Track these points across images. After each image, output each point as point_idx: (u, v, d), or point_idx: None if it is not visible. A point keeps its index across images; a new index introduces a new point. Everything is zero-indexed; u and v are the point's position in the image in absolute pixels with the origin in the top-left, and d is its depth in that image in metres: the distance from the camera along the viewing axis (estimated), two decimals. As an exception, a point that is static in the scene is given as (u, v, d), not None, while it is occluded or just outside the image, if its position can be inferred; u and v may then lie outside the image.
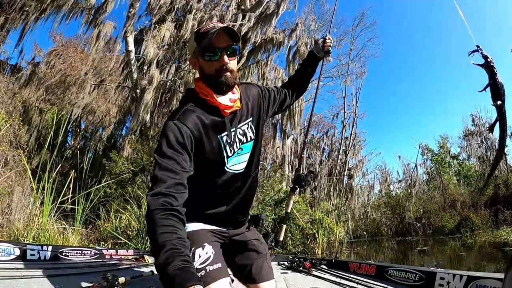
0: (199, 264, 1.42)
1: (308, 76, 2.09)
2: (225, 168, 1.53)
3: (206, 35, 1.42)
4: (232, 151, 1.53)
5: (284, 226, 2.25)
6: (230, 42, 1.47)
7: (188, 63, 10.24)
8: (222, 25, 1.44)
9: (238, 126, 1.55)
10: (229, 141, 1.51)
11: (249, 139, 1.60)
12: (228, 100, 1.50)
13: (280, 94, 1.89)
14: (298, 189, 2.30)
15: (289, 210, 2.33)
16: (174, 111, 1.47)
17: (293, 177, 2.48)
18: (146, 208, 5.21)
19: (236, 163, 1.57)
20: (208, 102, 1.47)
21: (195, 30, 1.53)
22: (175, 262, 1.00)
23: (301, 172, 2.33)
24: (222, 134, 1.49)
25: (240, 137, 1.57)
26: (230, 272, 1.57)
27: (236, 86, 1.58)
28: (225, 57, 1.46)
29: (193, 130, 1.38)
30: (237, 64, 1.68)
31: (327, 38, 2.12)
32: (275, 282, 1.71)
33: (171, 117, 1.41)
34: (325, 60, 2.17)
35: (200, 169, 1.41)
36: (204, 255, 1.45)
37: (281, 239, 2.25)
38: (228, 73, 1.47)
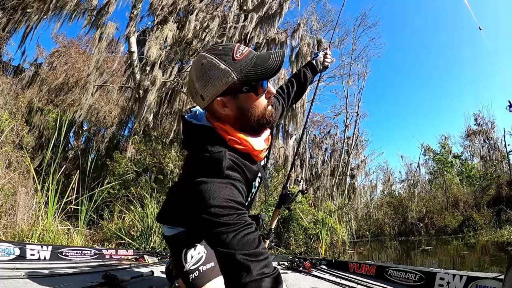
0: (192, 265, 1.41)
1: (305, 87, 1.97)
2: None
3: (262, 64, 1.12)
4: (255, 193, 1.40)
5: (268, 241, 2.19)
6: None
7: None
8: (279, 55, 1.16)
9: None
10: (257, 186, 1.37)
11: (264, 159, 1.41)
12: (263, 141, 1.26)
13: (278, 108, 1.67)
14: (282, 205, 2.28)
15: (273, 227, 2.26)
16: (210, 161, 1.09)
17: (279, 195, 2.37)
18: (150, 210, 5.17)
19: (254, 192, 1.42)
20: (238, 150, 1.17)
21: (225, 55, 1.11)
22: None
23: (287, 190, 2.30)
24: (254, 181, 1.30)
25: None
26: None
27: None
28: (271, 87, 1.21)
29: (243, 181, 1.15)
30: None
31: (328, 54, 2.09)
32: None
33: (213, 170, 1.07)
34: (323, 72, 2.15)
35: None
36: (196, 255, 1.45)
37: (266, 246, 2.17)
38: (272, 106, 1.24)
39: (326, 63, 2.07)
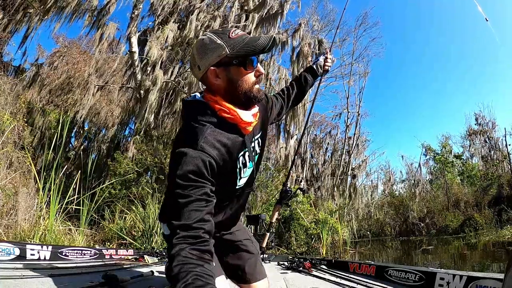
0: None
1: (305, 90, 2.03)
2: (236, 189, 1.44)
3: (247, 42, 1.27)
4: (245, 171, 1.42)
5: (268, 234, 2.45)
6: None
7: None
8: (269, 36, 1.31)
9: (253, 143, 1.44)
10: (245, 162, 1.40)
11: (256, 152, 1.50)
12: (251, 116, 1.36)
13: (277, 105, 1.79)
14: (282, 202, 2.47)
15: (273, 220, 2.51)
16: (191, 133, 1.23)
17: (280, 191, 2.61)
18: (151, 210, 5.22)
19: (242, 180, 1.46)
20: (227, 120, 1.28)
21: (222, 34, 1.28)
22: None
23: (288, 187, 2.51)
24: (239, 155, 1.36)
25: (252, 154, 1.45)
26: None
27: None
28: (260, 67, 1.34)
29: (218, 159, 1.21)
30: None
31: (329, 58, 2.14)
32: (268, 281, 1.71)
33: (190, 141, 1.18)
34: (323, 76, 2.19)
35: (217, 188, 1.25)
36: None
37: (264, 245, 2.52)
38: (259, 85, 1.38)
39: (327, 67, 2.11)
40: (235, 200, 1.55)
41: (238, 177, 1.40)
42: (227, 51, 1.24)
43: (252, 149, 1.43)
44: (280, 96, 1.88)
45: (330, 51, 2.22)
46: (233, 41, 1.25)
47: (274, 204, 2.57)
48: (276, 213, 2.49)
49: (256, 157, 1.50)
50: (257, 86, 1.33)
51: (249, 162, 1.42)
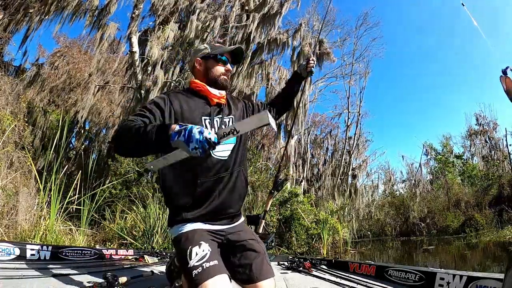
0: (196, 262, 1.49)
1: (292, 95, 2.38)
2: None
3: (222, 47, 1.93)
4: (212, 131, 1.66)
5: (263, 221, 2.91)
6: (230, 60, 1.96)
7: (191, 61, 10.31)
8: (234, 47, 1.95)
9: (222, 116, 1.83)
10: (211, 123, 1.77)
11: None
12: (218, 93, 1.86)
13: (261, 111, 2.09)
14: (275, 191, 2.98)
15: (267, 209, 3.01)
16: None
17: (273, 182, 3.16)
18: (152, 210, 5.27)
19: (219, 150, 1.75)
20: (200, 92, 1.84)
21: (208, 44, 1.96)
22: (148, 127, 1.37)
23: (279, 179, 3.08)
24: (205, 117, 1.77)
25: (223, 126, 1.80)
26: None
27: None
28: (229, 66, 1.95)
29: (174, 103, 1.72)
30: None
31: (310, 59, 2.37)
32: (275, 281, 1.72)
33: (164, 93, 1.84)
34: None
35: None
36: (201, 252, 1.53)
37: (260, 231, 2.91)
38: (227, 77, 1.93)
39: (309, 68, 2.35)
40: (215, 176, 1.74)
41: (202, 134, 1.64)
42: (208, 50, 1.90)
43: (220, 121, 1.82)
44: (269, 105, 2.28)
45: (313, 53, 2.46)
46: (212, 46, 1.93)
47: (269, 193, 3.04)
48: (270, 201, 2.99)
49: (234, 138, 1.71)
50: (223, 76, 1.89)
51: (210, 129, 1.61)
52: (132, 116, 1.58)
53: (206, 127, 1.71)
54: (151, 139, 1.31)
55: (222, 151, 1.76)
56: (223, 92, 1.90)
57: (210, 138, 1.22)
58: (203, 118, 1.75)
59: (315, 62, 2.43)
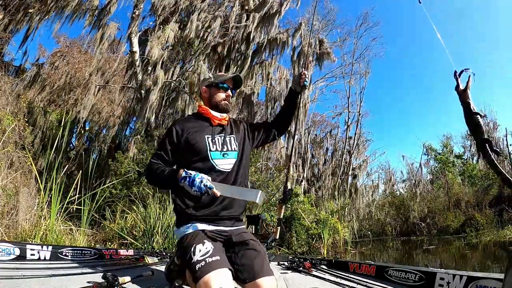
0: (200, 256, 1.64)
1: (291, 111, 2.50)
2: (210, 160, 1.99)
3: (223, 76, 2.24)
4: (215, 147, 2.03)
5: (279, 228, 3.06)
6: (232, 86, 2.26)
7: (193, 66, 10.41)
8: (233, 75, 2.28)
9: (223, 135, 2.10)
10: (213, 140, 2.06)
11: (233, 149, 2.10)
12: (219, 115, 2.16)
13: (261, 131, 2.38)
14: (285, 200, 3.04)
15: (281, 216, 3.07)
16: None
17: (282, 191, 3.14)
18: (152, 210, 5.31)
19: (223, 164, 2.02)
20: (203, 115, 2.16)
21: (212, 74, 2.31)
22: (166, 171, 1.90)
23: (288, 189, 3.04)
24: (207, 135, 2.06)
25: (224, 144, 2.08)
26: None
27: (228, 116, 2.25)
28: (229, 92, 2.23)
29: (179, 130, 2.05)
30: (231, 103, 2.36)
31: (302, 73, 2.44)
32: (275, 280, 1.76)
33: (173, 123, 2.17)
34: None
35: (192, 154, 1.99)
36: (204, 249, 1.68)
37: (277, 237, 3.05)
38: (228, 102, 2.22)
39: (301, 83, 2.42)
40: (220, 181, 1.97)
41: (208, 148, 2.02)
42: (212, 80, 2.22)
43: (222, 140, 2.09)
44: (270, 125, 2.46)
45: (305, 68, 2.52)
46: (215, 76, 2.24)
47: (278, 202, 3.10)
48: (282, 210, 3.05)
49: (236, 153, 2.10)
50: (224, 101, 2.19)
51: (213, 146, 2.04)
52: (153, 160, 2.03)
53: (209, 144, 2.04)
54: (167, 182, 1.93)
55: (225, 164, 2.03)
56: (225, 115, 2.21)
57: (206, 185, 1.71)
58: (206, 136, 2.06)
59: (307, 76, 2.50)
